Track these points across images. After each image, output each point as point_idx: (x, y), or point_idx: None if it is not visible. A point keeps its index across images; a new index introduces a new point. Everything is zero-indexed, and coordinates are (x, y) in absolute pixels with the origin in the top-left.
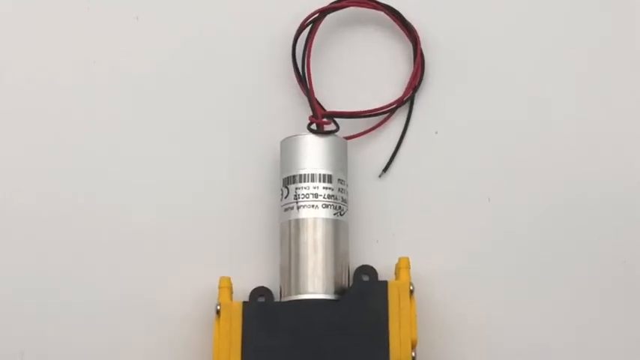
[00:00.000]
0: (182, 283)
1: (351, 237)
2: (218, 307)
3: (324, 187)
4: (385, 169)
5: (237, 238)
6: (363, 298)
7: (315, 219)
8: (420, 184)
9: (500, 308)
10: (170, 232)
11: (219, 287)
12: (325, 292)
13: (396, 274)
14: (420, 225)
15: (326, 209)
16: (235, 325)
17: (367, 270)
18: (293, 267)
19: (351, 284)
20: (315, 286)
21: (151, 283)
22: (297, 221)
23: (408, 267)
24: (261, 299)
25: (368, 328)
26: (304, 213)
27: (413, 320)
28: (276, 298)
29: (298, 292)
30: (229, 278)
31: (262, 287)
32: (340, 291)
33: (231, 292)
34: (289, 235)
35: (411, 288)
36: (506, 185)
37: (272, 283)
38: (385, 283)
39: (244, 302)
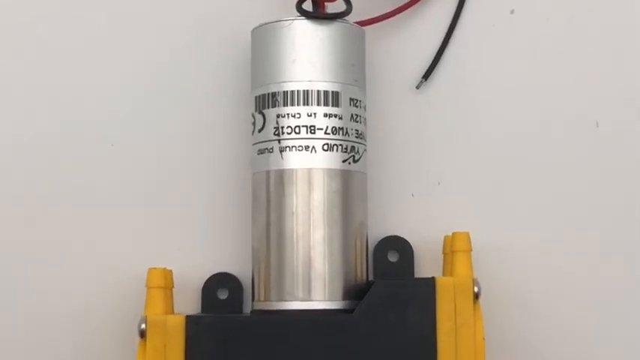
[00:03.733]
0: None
1: (371, 194)
2: (143, 326)
3: (325, 115)
4: (426, 77)
5: (182, 202)
6: (393, 307)
7: (310, 171)
8: (480, 100)
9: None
10: None
11: (147, 287)
12: (329, 298)
13: (445, 254)
14: (481, 167)
15: (330, 153)
16: (173, 353)
17: (396, 244)
18: (274, 254)
19: (370, 277)
20: (313, 288)
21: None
22: (281, 174)
23: (469, 249)
24: (221, 295)
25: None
26: (292, 160)
27: (479, 344)
28: (246, 299)
29: (282, 298)
30: (165, 271)
31: (224, 274)
32: (354, 294)
33: (169, 296)
34: (267, 198)
35: (476, 289)
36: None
37: (240, 269)
38: (430, 281)
39: (188, 317)
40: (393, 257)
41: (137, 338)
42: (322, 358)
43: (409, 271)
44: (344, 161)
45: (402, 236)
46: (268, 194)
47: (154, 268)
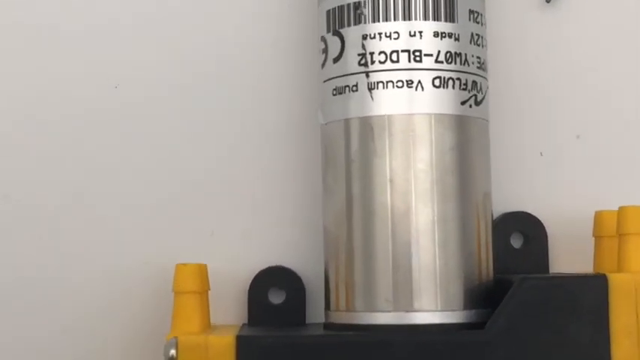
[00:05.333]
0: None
1: (495, 152)
2: (172, 353)
3: (436, 34)
4: None
5: (216, 173)
6: (544, 319)
7: (413, 118)
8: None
9: None
10: None
11: (176, 293)
12: (443, 307)
13: (599, 238)
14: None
15: (442, 92)
16: None
17: (522, 224)
18: (359, 242)
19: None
20: (419, 293)
21: None
22: (369, 123)
23: None
24: (275, 299)
25: None
26: (386, 102)
27: None
28: (316, 296)
29: (373, 307)
30: (200, 267)
31: (278, 269)
32: (478, 300)
33: (205, 303)
34: (346, 160)
35: None
36: None
37: (301, 261)
38: (602, 280)
39: (239, 338)
40: (516, 242)
41: None
42: None
43: (542, 263)
44: (462, 103)
45: (529, 212)
46: (348, 155)
47: (185, 265)
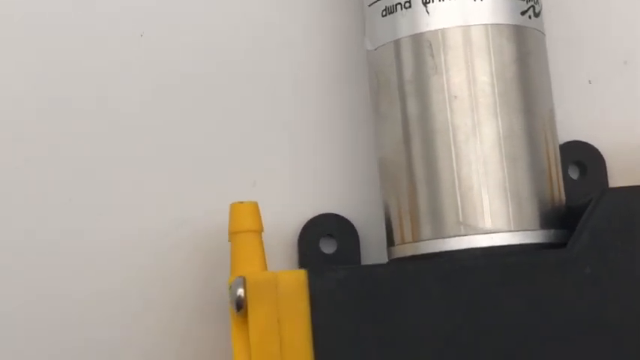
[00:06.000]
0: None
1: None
2: (240, 292)
3: None
4: None
5: (251, 110)
6: (632, 232)
7: (470, 30)
8: None
9: None
10: None
11: (233, 234)
12: (518, 227)
13: None
14: None
15: (500, 1)
16: (292, 329)
17: (577, 153)
18: (421, 167)
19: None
20: (492, 213)
21: None
22: (425, 40)
23: None
24: (327, 248)
25: None
26: (443, 15)
27: None
28: (369, 243)
29: (443, 233)
30: (256, 206)
31: (329, 217)
32: (551, 219)
33: (262, 245)
34: (399, 82)
35: None
36: None
37: (352, 207)
38: None
39: (310, 272)
40: (574, 173)
41: (226, 311)
42: (521, 317)
43: None
44: (522, 13)
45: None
46: (402, 77)
47: (241, 203)
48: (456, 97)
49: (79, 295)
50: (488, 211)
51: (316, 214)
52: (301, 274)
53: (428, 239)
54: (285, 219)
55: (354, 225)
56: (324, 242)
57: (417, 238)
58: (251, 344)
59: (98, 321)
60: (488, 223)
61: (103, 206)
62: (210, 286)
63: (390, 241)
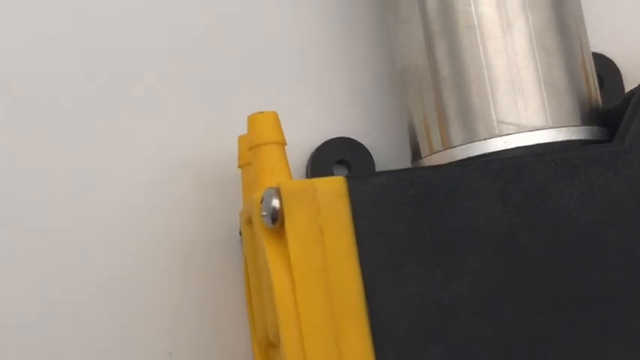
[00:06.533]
0: None
1: None
2: (275, 203)
3: None
4: None
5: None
6: None
7: None
8: None
9: None
10: None
11: (257, 146)
12: (562, 123)
13: None
14: None
15: None
16: (335, 238)
17: (599, 65)
18: (447, 66)
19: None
20: (534, 110)
21: None
22: None
23: None
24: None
25: None
26: None
27: None
28: (388, 160)
29: (477, 135)
30: (277, 115)
31: (342, 141)
32: (594, 117)
33: (286, 157)
34: None
35: None
36: None
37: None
38: None
39: (349, 178)
40: None
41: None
42: (570, 213)
43: None
44: None
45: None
46: None
47: (261, 112)
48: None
49: (81, 236)
50: (524, 109)
51: (326, 139)
52: (340, 181)
53: (461, 144)
54: (293, 146)
55: (368, 149)
56: (338, 169)
57: (448, 145)
58: (291, 258)
59: (101, 260)
60: (529, 120)
61: (105, 139)
62: (214, 220)
63: (416, 155)
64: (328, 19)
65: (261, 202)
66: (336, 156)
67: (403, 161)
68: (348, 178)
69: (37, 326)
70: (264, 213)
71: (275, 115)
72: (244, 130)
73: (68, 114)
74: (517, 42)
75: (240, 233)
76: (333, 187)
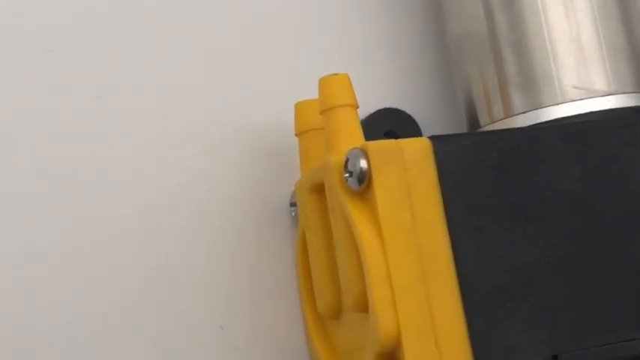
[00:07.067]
0: None
1: None
2: (363, 164)
3: None
4: None
5: None
6: None
7: None
8: None
9: None
10: None
11: (330, 109)
12: (631, 89)
13: None
14: None
15: None
16: (423, 196)
17: None
18: (507, 35)
19: None
20: (599, 75)
21: None
22: None
23: None
24: None
25: None
26: None
27: None
28: (436, 131)
29: (542, 102)
30: (346, 77)
31: (391, 112)
32: None
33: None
34: None
35: None
36: None
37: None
38: None
39: (434, 138)
40: None
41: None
42: None
43: None
44: None
45: None
46: None
47: (334, 75)
48: None
49: (122, 208)
50: (596, 74)
51: (374, 109)
52: (425, 142)
53: (524, 111)
54: None
55: (417, 120)
56: None
57: (510, 113)
58: (381, 220)
59: (145, 230)
60: (598, 85)
61: (147, 110)
62: (265, 191)
63: (475, 124)
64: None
65: (346, 163)
66: (385, 127)
67: (453, 132)
68: (433, 139)
69: (94, 300)
70: (348, 175)
71: (348, 78)
72: (292, 100)
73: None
74: (578, 7)
75: (293, 204)
76: (420, 147)
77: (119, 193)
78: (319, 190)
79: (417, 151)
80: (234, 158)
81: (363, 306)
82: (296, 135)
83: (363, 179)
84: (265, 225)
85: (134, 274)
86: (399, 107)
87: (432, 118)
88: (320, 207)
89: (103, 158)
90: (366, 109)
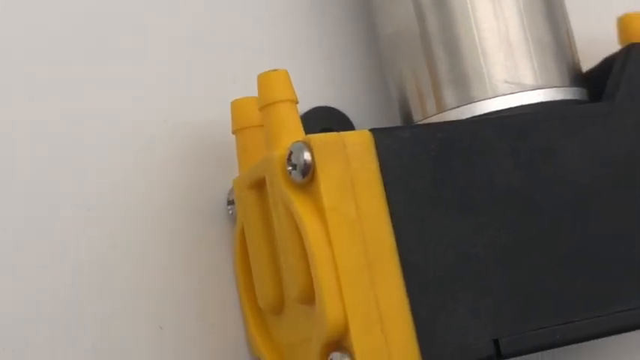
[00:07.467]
0: None
1: None
2: (307, 157)
3: None
4: None
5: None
6: None
7: None
8: None
9: None
10: None
11: (270, 105)
12: (560, 84)
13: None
14: None
15: None
16: (365, 188)
17: None
18: (438, 33)
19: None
20: (524, 70)
21: None
22: None
23: None
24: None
25: None
26: None
27: None
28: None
29: (473, 97)
30: (284, 73)
31: (324, 110)
32: (579, 78)
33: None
34: None
35: None
36: None
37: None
38: None
39: (374, 131)
40: None
41: (282, 182)
42: (575, 165)
43: None
44: None
45: None
46: None
47: (273, 71)
48: None
49: (67, 210)
50: (525, 68)
51: (308, 108)
52: (366, 134)
53: (456, 107)
54: None
55: (350, 118)
56: None
57: (443, 108)
58: (326, 211)
59: (79, 230)
60: (526, 79)
61: (82, 109)
62: (200, 189)
63: (408, 121)
64: None
65: (289, 156)
66: (320, 125)
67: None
68: (374, 131)
69: (29, 302)
70: (291, 168)
71: (287, 73)
72: (226, 98)
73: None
74: (505, 5)
75: (230, 202)
76: (362, 140)
77: (53, 193)
78: (259, 185)
79: (358, 144)
80: (170, 158)
81: (309, 297)
82: (233, 133)
83: (307, 172)
84: (202, 224)
85: (69, 276)
86: (333, 106)
87: (366, 117)
88: (260, 202)
89: (36, 159)
90: (300, 107)
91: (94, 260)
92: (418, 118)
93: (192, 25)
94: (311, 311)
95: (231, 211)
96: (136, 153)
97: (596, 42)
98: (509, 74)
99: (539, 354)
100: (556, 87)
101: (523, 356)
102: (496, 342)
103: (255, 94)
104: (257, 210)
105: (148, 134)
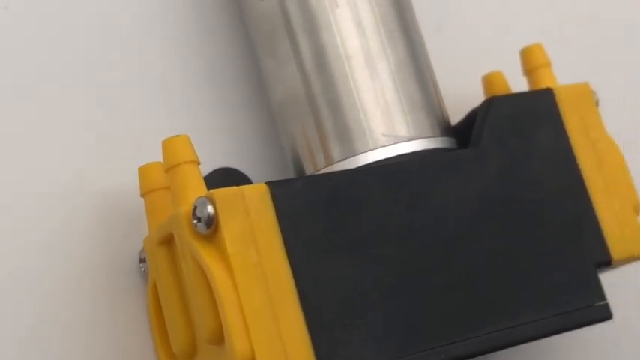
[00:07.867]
0: None
1: None
2: (209, 210)
3: None
4: None
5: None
6: (518, 129)
7: None
8: None
9: None
10: None
11: (173, 167)
12: (432, 134)
13: (486, 88)
14: None
15: None
16: (265, 234)
17: None
18: (322, 94)
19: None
20: (402, 123)
21: None
22: None
23: (549, 64)
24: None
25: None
26: None
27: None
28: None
29: (355, 150)
30: (186, 137)
31: (224, 172)
32: (448, 129)
33: (201, 176)
34: (289, 25)
35: (596, 97)
36: None
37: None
38: (548, 93)
39: (270, 184)
40: None
41: (189, 235)
42: (450, 204)
43: None
44: None
45: None
46: (290, 21)
47: (176, 137)
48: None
49: None
50: (399, 123)
51: (209, 170)
52: (262, 187)
53: (342, 159)
54: None
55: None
56: None
57: (331, 162)
58: (230, 257)
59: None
60: (402, 132)
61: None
62: (112, 252)
63: (300, 175)
64: (200, 63)
65: (194, 211)
66: (221, 185)
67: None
68: (269, 184)
69: None
70: (196, 221)
71: (189, 138)
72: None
73: None
74: (379, 69)
75: (142, 260)
76: (259, 192)
77: None
78: (168, 240)
79: (256, 195)
80: (82, 224)
81: (219, 338)
82: (141, 196)
83: (211, 223)
84: (116, 283)
85: None
86: (231, 165)
87: (263, 173)
88: (169, 256)
89: None
90: (202, 168)
91: (13, 324)
92: (310, 171)
93: (97, 101)
94: (221, 351)
95: (143, 269)
96: (56, 224)
97: (465, 98)
98: (386, 128)
99: None
100: (428, 137)
101: None
102: None
103: (159, 159)
104: (167, 263)
105: (58, 202)
